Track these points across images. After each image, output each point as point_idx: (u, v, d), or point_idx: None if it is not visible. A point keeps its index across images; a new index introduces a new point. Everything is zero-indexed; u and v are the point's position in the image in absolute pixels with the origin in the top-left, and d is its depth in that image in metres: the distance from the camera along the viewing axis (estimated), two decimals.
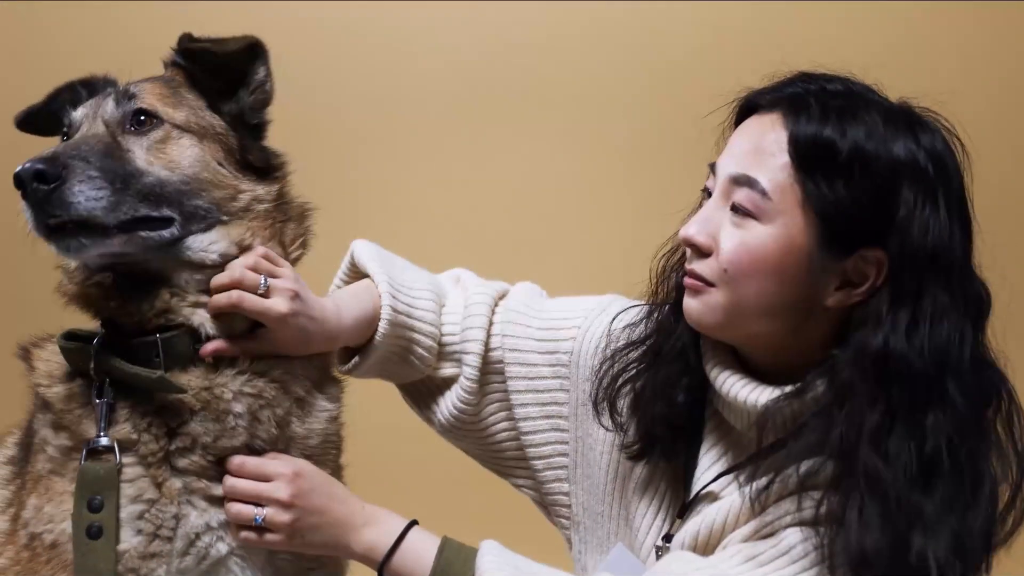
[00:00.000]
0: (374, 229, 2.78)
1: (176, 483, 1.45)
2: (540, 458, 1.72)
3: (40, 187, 1.36)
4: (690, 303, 1.45)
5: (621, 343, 1.61)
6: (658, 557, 1.53)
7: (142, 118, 1.48)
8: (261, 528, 1.47)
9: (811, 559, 1.35)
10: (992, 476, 1.36)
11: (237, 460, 1.47)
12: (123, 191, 1.41)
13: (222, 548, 1.48)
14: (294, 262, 1.57)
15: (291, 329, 1.50)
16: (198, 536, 1.46)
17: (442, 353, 1.73)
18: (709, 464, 1.52)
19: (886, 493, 1.29)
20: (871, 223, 1.36)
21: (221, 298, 1.47)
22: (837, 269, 1.38)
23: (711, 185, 1.46)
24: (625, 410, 1.57)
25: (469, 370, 1.71)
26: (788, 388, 1.40)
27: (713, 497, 1.49)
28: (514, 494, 1.81)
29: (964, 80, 2.82)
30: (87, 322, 1.52)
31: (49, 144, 1.48)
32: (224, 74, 1.55)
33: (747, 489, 1.40)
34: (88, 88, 1.60)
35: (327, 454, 1.58)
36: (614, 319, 1.65)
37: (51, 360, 1.53)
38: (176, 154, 1.48)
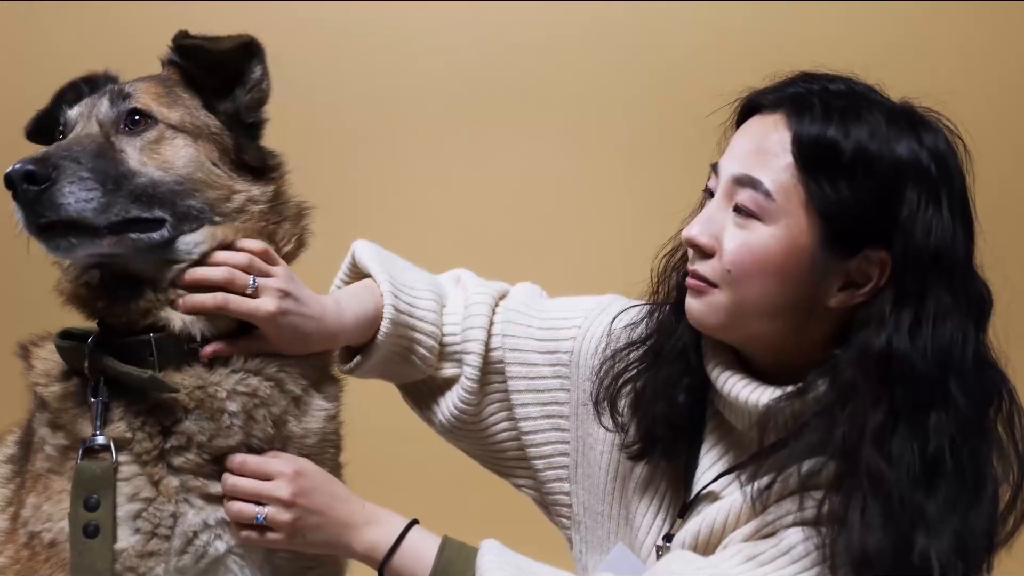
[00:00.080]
0: (374, 229, 2.78)
1: (173, 481, 1.45)
2: (541, 458, 1.72)
3: (30, 188, 1.36)
4: (692, 304, 1.45)
5: (622, 343, 1.60)
6: (659, 557, 1.53)
7: (136, 118, 1.48)
8: (262, 527, 1.47)
9: (812, 559, 1.34)
10: (994, 476, 1.36)
11: (238, 458, 1.47)
12: (115, 192, 1.41)
13: (220, 546, 1.48)
14: (288, 259, 1.57)
15: (283, 328, 1.50)
16: (196, 534, 1.46)
17: (443, 353, 1.73)
18: (710, 464, 1.52)
19: (889, 493, 1.29)
20: (874, 223, 1.36)
21: (207, 299, 1.46)
22: (840, 270, 1.38)
23: (713, 185, 1.46)
24: (626, 410, 1.56)
25: (470, 370, 1.70)
26: (789, 388, 1.40)
27: (714, 497, 1.49)
28: (514, 494, 1.81)
29: (964, 80, 2.82)
30: (86, 321, 1.52)
31: None
32: (220, 72, 1.54)
33: (748, 489, 1.39)
34: (90, 85, 1.59)
35: (325, 453, 1.58)
36: (614, 319, 1.65)
37: (49, 359, 1.53)
38: (170, 154, 1.48)
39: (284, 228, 1.57)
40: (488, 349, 1.71)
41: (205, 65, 1.54)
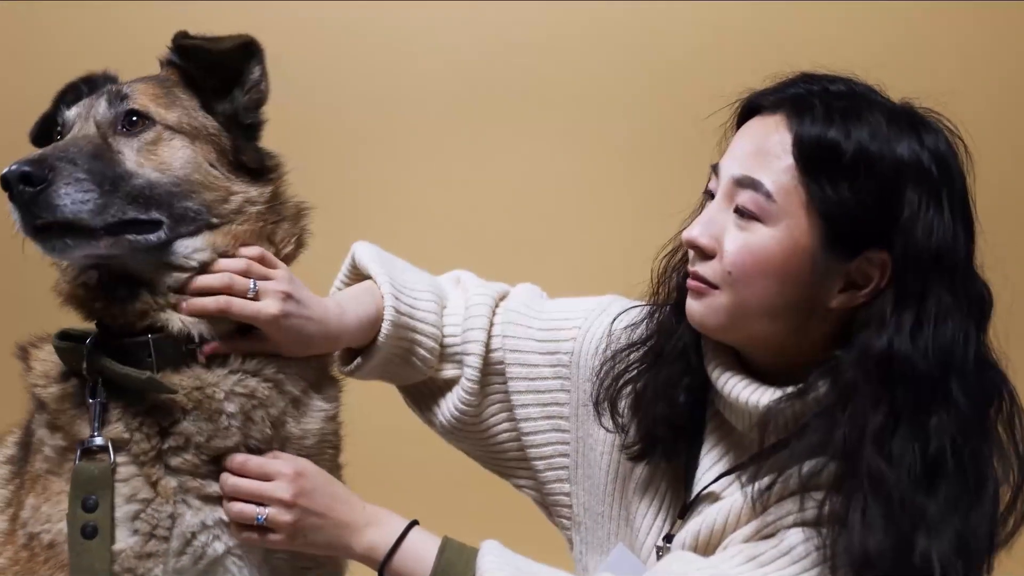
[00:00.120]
0: (374, 229, 2.78)
1: (171, 482, 1.45)
2: (541, 458, 1.72)
3: (26, 189, 1.36)
4: (693, 305, 1.45)
5: (622, 344, 1.60)
6: (659, 557, 1.53)
7: (134, 119, 1.48)
8: (262, 528, 1.47)
9: (812, 559, 1.34)
10: (994, 477, 1.36)
11: (239, 458, 1.47)
12: (111, 193, 1.41)
13: (218, 547, 1.48)
14: (287, 260, 1.57)
15: (285, 331, 1.50)
16: (194, 535, 1.46)
17: (443, 355, 1.73)
18: (710, 464, 1.52)
19: (889, 494, 1.29)
20: (875, 224, 1.36)
21: (208, 302, 1.46)
22: (841, 271, 1.38)
23: (713, 186, 1.46)
24: (626, 411, 1.56)
25: (470, 371, 1.70)
26: (790, 389, 1.40)
27: (714, 497, 1.49)
28: (515, 495, 1.81)
29: (964, 80, 2.82)
30: (84, 322, 1.52)
31: None
32: (219, 73, 1.54)
33: (749, 489, 1.39)
34: (89, 86, 1.59)
35: (324, 454, 1.57)
36: (615, 319, 1.65)
37: (47, 360, 1.53)
38: (167, 155, 1.48)
39: (283, 229, 1.56)
40: (488, 350, 1.71)
41: (204, 66, 1.54)
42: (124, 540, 1.43)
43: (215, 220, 1.49)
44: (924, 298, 1.34)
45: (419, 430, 1.83)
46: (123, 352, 1.45)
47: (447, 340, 1.72)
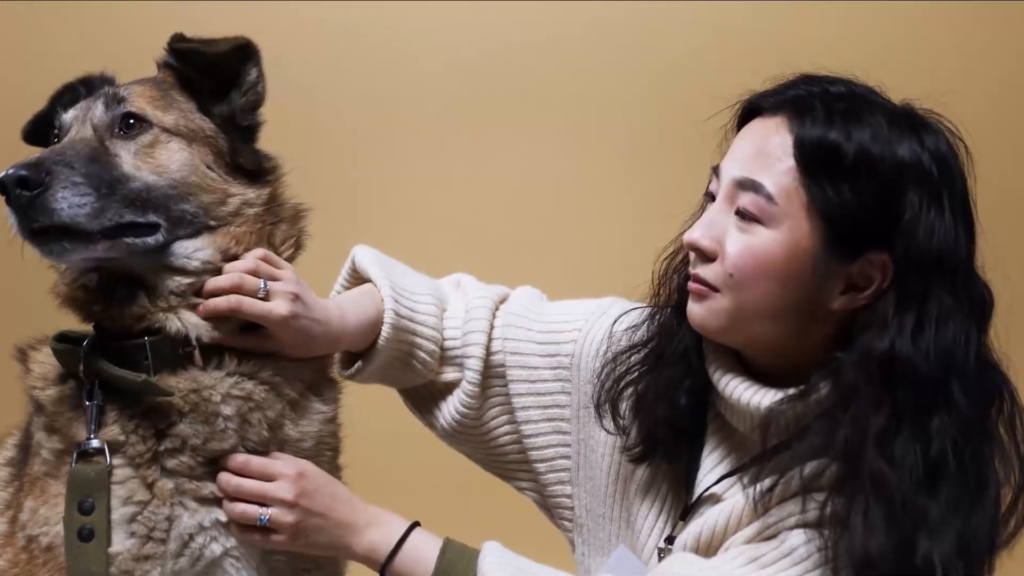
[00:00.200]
0: (374, 229, 2.79)
1: (168, 484, 1.45)
2: (542, 461, 1.72)
3: (23, 193, 1.36)
4: (694, 308, 1.45)
5: (623, 346, 1.60)
6: (660, 559, 1.53)
7: (131, 121, 1.48)
8: (264, 528, 1.47)
9: (814, 560, 1.34)
10: (996, 478, 1.35)
11: (240, 459, 1.47)
12: (108, 197, 1.41)
13: (216, 549, 1.47)
14: (286, 261, 1.56)
15: (293, 332, 1.50)
16: (192, 537, 1.46)
17: (444, 358, 1.73)
18: (712, 466, 1.52)
19: (891, 496, 1.29)
20: (876, 226, 1.35)
21: (220, 302, 1.46)
22: (842, 273, 1.38)
23: (714, 188, 1.46)
24: (627, 413, 1.56)
25: (471, 374, 1.70)
26: (791, 391, 1.40)
27: (716, 499, 1.49)
28: (515, 497, 1.81)
29: (964, 80, 2.82)
30: (83, 324, 1.52)
31: None
32: (215, 75, 1.54)
33: (750, 491, 1.39)
34: (87, 87, 1.59)
35: (322, 456, 1.57)
36: (615, 321, 1.65)
37: (46, 362, 1.53)
38: (164, 158, 1.48)
39: (281, 230, 1.56)
40: (489, 353, 1.71)
41: (200, 68, 1.53)
42: (121, 542, 1.43)
43: (213, 223, 1.49)
44: (925, 300, 1.34)
45: (420, 433, 1.83)
46: (120, 354, 1.45)
47: (447, 343, 1.72)
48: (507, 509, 1.94)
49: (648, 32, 2.98)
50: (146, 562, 1.43)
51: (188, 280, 1.47)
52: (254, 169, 1.55)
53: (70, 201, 1.38)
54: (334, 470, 1.60)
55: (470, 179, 3.00)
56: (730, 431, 1.51)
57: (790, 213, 1.37)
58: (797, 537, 1.36)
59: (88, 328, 1.51)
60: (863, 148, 1.35)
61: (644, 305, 1.62)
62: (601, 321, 1.68)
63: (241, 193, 1.52)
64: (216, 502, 1.47)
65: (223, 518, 1.47)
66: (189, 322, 1.46)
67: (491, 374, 1.72)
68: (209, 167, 1.51)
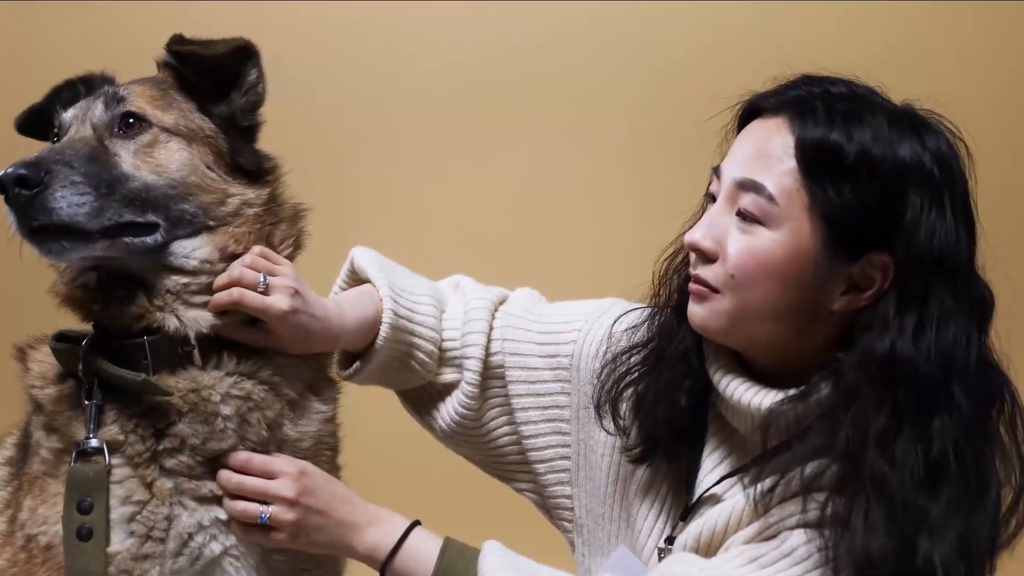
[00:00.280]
0: (374, 229, 2.79)
1: (167, 484, 1.45)
2: (542, 461, 1.72)
3: (22, 192, 1.36)
4: (695, 309, 1.45)
5: (623, 346, 1.60)
6: (660, 559, 1.53)
7: (131, 121, 1.48)
8: (265, 526, 1.47)
9: (814, 560, 1.34)
10: (996, 479, 1.35)
11: (242, 456, 1.47)
12: (107, 196, 1.41)
13: (216, 548, 1.47)
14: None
15: (292, 327, 1.50)
16: (191, 536, 1.46)
17: (443, 359, 1.73)
18: (712, 467, 1.52)
19: (892, 497, 1.29)
20: (878, 227, 1.35)
21: (222, 296, 1.46)
22: (843, 273, 1.38)
23: (715, 189, 1.46)
24: (627, 413, 1.56)
25: (470, 375, 1.70)
26: (792, 391, 1.39)
27: (716, 500, 1.49)
28: (515, 498, 1.81)
29: (964, 80, 2.82)
30: (82, 323, 1.52)
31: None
32: (215, 75, 1.54)
33: (751, 491, 1.39)
34: (87, 85, 1.59)
35: (321, 456, 1.57)
36: (615, 322, 1.65)
37: (45, 361, 1.53)
38: (164, 158, 1.48)
39: (280, 231, 1.56)
40: (488, 354, 1.71)
41: (200, 69, 1.53)
42: (120, 542, 1.43)
43: (212, 223, 1.49)
44: (926, 300, 1.34)
45: (419, 433, 1.82)
46: (120, 354, 1.45)
47: (446, 344, 1.72)
48: (507, 509, 1.94)
49: (648, 32, 2.98)
50: (145, 561, 1.43)
51: (185, 279, 1.47)
52: (254, 169, 1.55)
53: (69, 200, 1.38)
54: (333, 470, 1.60)
55: (470, 179, 2.99)
56: (730, 432, 1.51)
57: (791, 214, 1.37)
58: (797, 537, 1.36)
59: (87, 327, 1.51)
60: (864, 149, 1.35)
61: (644, 306, 1.62)
62: (601, 321, 1.68)
63: (240, 193, 1.52)
64: (215, 501, 1.47)
65: (223, 516, 1.47)
66: (186, 318, 1.46)
67: (490, 375, 1.72)
68: (209, 167, 1.51)
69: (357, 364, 1.66)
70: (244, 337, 1.49)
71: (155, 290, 1.46)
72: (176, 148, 1.49)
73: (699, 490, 1.52)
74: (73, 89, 1.59)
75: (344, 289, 1.72)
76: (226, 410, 1.46)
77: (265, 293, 1.48)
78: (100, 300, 1.48)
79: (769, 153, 1.39)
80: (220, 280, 1.47)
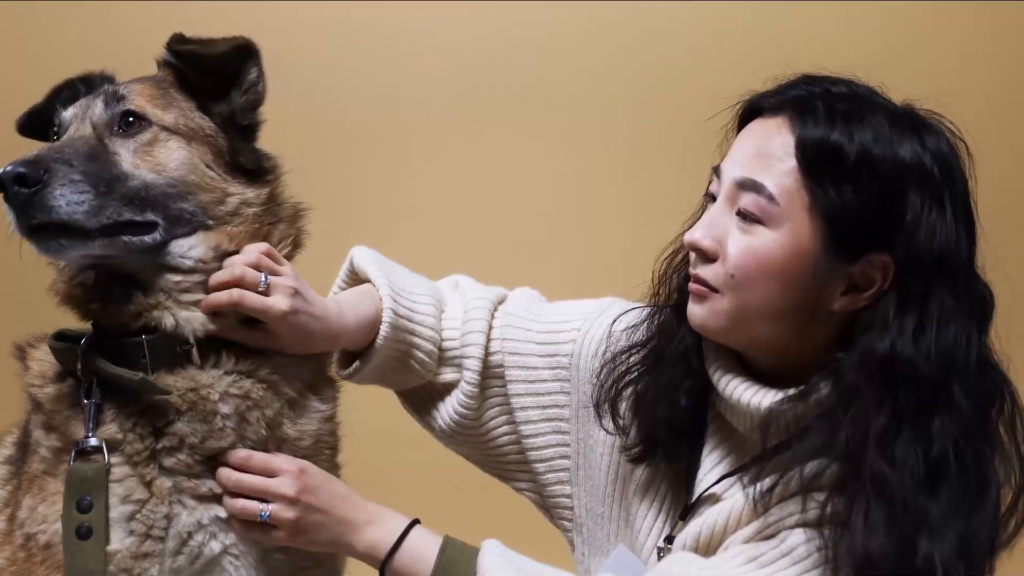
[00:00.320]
0: (373, 229, 2.79)
1: (166, 482, 1.45)
2: (542, 461, 1.72)
3: (21, 190, 1.36)
4: (694, 309, 1.45)
5: (622, 345, 1.60)
6: (659, 559, 1.53)
7: (130, 120, 1.48)
8: (264, 524, 1.47)
9: (814, 560, 1.34)
10: (996, 479, 1.35)
11: (242, 454, 1.47)
12: (107, 195, 1.41)
13: (215, 547, 1.47)
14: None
15: (292, 327, 1.50)
16: (190, 535, 1.46)
17: (442, 359, 1.73)
18: (711, 466, 1.52)
19: (892, 497, 1.29)
20: (878, 227, 1.35)
21: (221, 296, 1.46)
22: (843, 274, 1.38)
23: (715, 189, 1.46)
24: (627, 413, 1.56)
25: (470, 374, 1.70)
26: (792, 391, 1.39)
27: (715, 499, 1.48)
28: (514, 497, 1.81)
29: (964, 80, 2.82)
30: (81, 322, 1.52)
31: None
32: (215, 74, 1.54)
33: (750, 491, 1.39)
34: (87, 85, 1.59)
35: (320, 455, 1.57)
36: (614, 321, 1.65)
37: (44, 360, 1.53)
38: (163, 157, 1.47)
39: (279, 230, 1.56)
40: (488, 353, 1.71)
41: (200, 68, 1.53)
42: (120, 541, 1.43)
43: (211, 222, 1.49)
44: (926, 301, 1.34)
45: (418, 434, 1.82)
46: (119, 353, 1.45)
47: (445, 344, 1.72)
48: (506, 509, 1.94)
49: (648, 32, 2.98)
50: (145, 560, 1.43)
51: (178, 278, 1.47)
52: (253, 168, 1.55)
53: (68, 199, 1.38)
54: (332, 469, 1.60)
55: (470, 179, 2.99)
56: (730, 431, 1.51)
57: (791, 214, 1.37)
58: (797, 536, 1.36)
59: (87, 326, 1.51)
60: (865, 149, 1.35)
61: (643, 305, 1.62)
62: (600, 320, 1.68)
63: (240, 192, 1.52)
64: (215, 499, 1.47)
65: (222, 515, 1.47)
66: (181, 317, 1.46)
67: (490, 374, 1.72)
68: (208, 166, 1.50)
69: (357, 363, 1.66)
70: (243, 338, 1.49)
71: (152, 289, 1.46)
72: (176, 147, 1.49)
73: (699, 490, 1.51)
74: (73, 89, 1.60)
75: (343, 289, 1.72)
76: (225, 409, 1.46)
77: (266, 293, 1.48)
78: (98, 299, 1.48)
79: (769, 153, 1.39)
80: (219, 277, 1.47)
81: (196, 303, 1.47)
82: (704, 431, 1.54)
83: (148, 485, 1.44)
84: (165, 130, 1.49)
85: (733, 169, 1.42)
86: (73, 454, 1.43)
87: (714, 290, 1.42)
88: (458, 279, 1.82)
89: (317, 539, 1.49)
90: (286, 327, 1.50)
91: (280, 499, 1.46)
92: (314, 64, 2.93)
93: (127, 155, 1.46)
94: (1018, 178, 2.87)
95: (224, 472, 1.47)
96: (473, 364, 1.70)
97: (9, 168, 1.37)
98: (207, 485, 1.47)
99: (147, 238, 1.45)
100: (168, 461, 1.45)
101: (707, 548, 1.44)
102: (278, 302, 1.48)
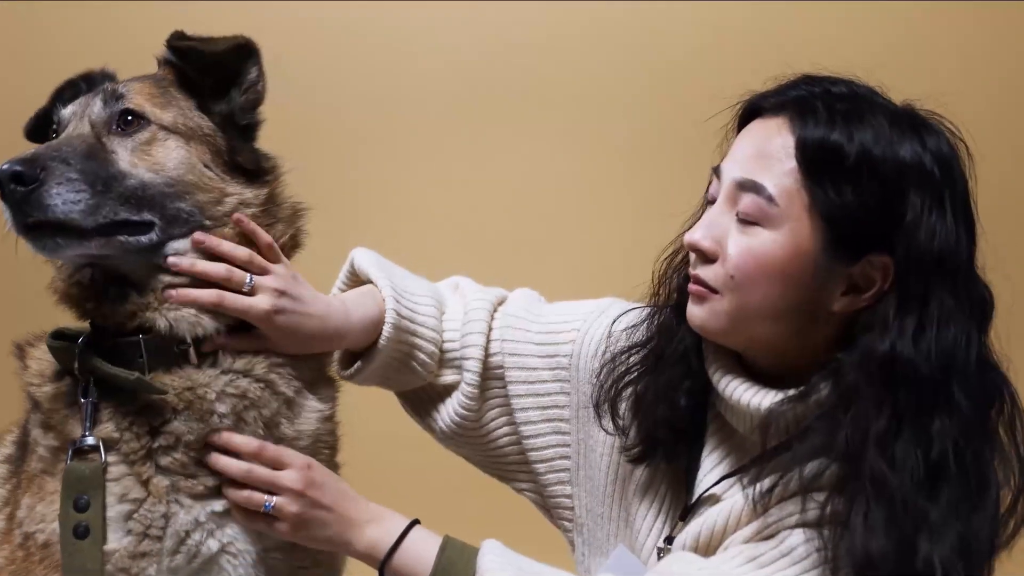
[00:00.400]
0: (374, 229, 2.79)
1: (163, 481, 1.45)
2: (542, 461, 1.72)
3: (17, 188, 1.36)
4: (694, 310, 1.45)
5: (622, 345, 1.60)
6: (659, 559, 1.53)
7: (129, 118, 1.48)
8: (267, 516, 1.46)
9: (813, 560, 1.34)
10: (996, 480, 1.35)
11: (255, 443, 1.46)
12: (104, 194, 1.40)
13: (213, 545, 1.47)
14: None
15: (279, 327, 1.50)
16: (188, 534, 1.46)
17: (442, 360, 1.73)
18: (711, 467, 1.52)
19: (892, 498, 1.29)
20: (878, 228, 1.35)
21: (202, 294, 1.46)
22: (843, 274, 1.38)
23: (714, 189, 1.46)
24: (626, 413, 1.56)
25: (470, 375, 1.70)
26: (792, 391, 1.39)
27: (715, 500, 1.48)
28: (514, 498, 1.81)
29: (964, 80, 2.82)
30: (79, 321, 1.52)
31: None
32: (215, 73, 1.54)
33: (750, 491, 1.39)
34: (88, 82, 1.59)
35: (319, 454, 1.57)
36: (614, 321, 1.65)
37: (43, 359, 1.53)
38: (161, 156, 1.47)
39: (277, 230, 1.56)
40: (487, 354, 1.71)
41: (200, 66, 1.53)
42: (118, 540, 1.43)
43: (208, 222, 1.49)
44: (926, 301, 1.34)
45: (418, 434, 1.82)
46: (116, 352, 1.45)
47: (446, 345, 1.72)
48: (506, 509, 1.94)
49: (648, 32, 2.98)
50: (142, 559, 1.43)
51: (169, 278, 1.47)
52: (252, 168, 1.55)
53: (65, 197, 1.38)
54: (332, 468, 1.59)
55: (470, 179, 2.99)
56: (730, 432, 1.51)
57: (791, 215, 1.37)
58: (796, 537, 1.36)
59: (85, 325, 1.51)
60: (865, 149, 1.35)
61: (642, 305, 1.62)
62: (600, 320, 1.67)
63: (238, 193, 1.52)
64: (212, 497, 1.47)
65: (219, 509, 1.47)
66: (171, 317, 1.45)
67: (490, 376, 1.72)
68: (206, 166, 1.50)
69: (359, 364, 1.66)
70: (242, 345, 1.49)
71: (146, 288, 1.46)
72: (174, 146, 1.49)
73: (699, 490, 1.51)
74: (75, 87, 1.59)
75: (344, 290, 1.72)
76: (222, 408, 1.46)
77: (251, 292, 1.48)
78: (93, 298, 1.47)
79: (769, 153, 1.39)
80: (205, 270, 1.46)
81: (188, 304, 1.46)
82: (704, 431, 1.54)
83: (145, 484, 1.44)
84: (164, 129, 1.49)
85: (733, 170, 1.42)
86: (70, 453, 1.43)
87: (714, 291, 1.42)
88: (458, 281, 1.82)
89: (318, 535, 1.49)
90: (271, 327, 1.50)
91: (286, 491, 1.46)
92: (314, 64, 2.93)
93: (125, 154, 1.46)
94: (1018, 178, 2.87)
95: (232, 461, 1.46)
96: (473, 365, 1.70)
97: (5, 166, 1.36)
98: (206, 482, 1.46)
99: (143, 238, 1.44)
100: (164, 460, 1.45)
101: (707, 548, 1.44)
102: (260, 301, 1.48)
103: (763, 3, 2.95)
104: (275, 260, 1.52)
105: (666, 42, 2.98)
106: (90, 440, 1.43)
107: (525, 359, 1.70)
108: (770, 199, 1.37)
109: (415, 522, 1.53)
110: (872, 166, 1.35)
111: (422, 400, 1.77)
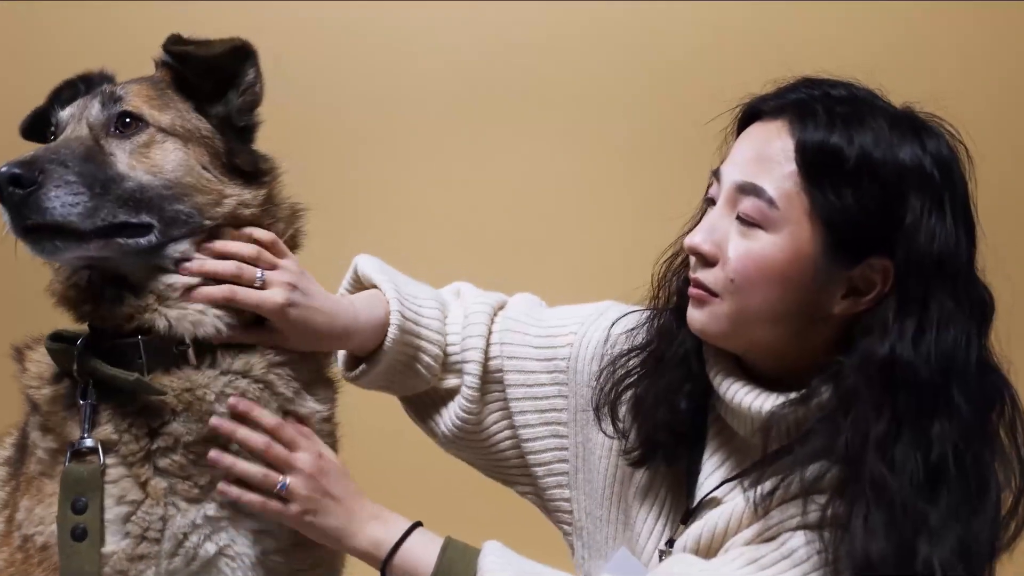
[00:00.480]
0: (374, 229, 2.79)
1: (161, 483, 1.45)
2: (540, 465, 1.72)
3: (16, 191, 1.36)
4: (694, 313, 1.45)
5: (622, 349, 1.60)
6: (660, 562, 1.53)
7: (127, 121, 1.48)
8: (278, 496, 1.46)
9: (814, 563, 1.34)
10: (996, 482, 1.35)
11: (275, 420, 1.47)
12: (102, 196, 1.40)
13: (211, 548, 1.47)
14: None
15: (291, 322, 1.50)
16: (186, 536, 1.45)
17: (445, 364, 1.73)
18: (712, 470, 1.52)
19: (892, 501, 1.29)
20: (878, 231, 1.35)
21: (215, 291, 1.46)
22: (844, 277, 1.38)
23: (714, 192, 1.46)
24: (626, 416, 1.56)
25: (470, 379, 1.70)
26: (792, 395, 1.39)
27: (716, 503, 1.48)
28: (515, 499, 1.81)
29: (964, 81, 2.82)
30: (77, 323, 1.52)
31: None
32: (213, 75, 1.54)
33: (751, 494, 1.39)
34: (86, 84, 1.59)
35: None
36: (613, 324, 1.64)
37: (42, 361, 1.54)
38: (159, 158, 1.47)
39: (278, 229, 1.56)
40: (487, 358, 1.71)
41: (197, 69, 1.53)
42: (116, 542, 1.42)
43: (207, 223, 1.49)
44: (926, 304, 1.34)
45: (419, 435, 1.82)
46: (115, 353, 1.45)
47: (448, 349, 1.72)
48: (507, 511, 1.94)
49: (648, 32, 2.98)
50: (140, 562, 1.43)
51: (169, 280, 1.47)
52: (250, 170, 1.55)
53: (63, 200, 1.38)
54: None
55: (470, 179, 2.99)
56: (730, 435, 1.51)
57: (791, 218, 1.37)
58: (797, 539, 1.36)
59: (83, 328, 1.51)
60: (865, 152, 1.35)
61: (641, 308, 1.62)
62: (598, 323, 1.67)
63: (237, 194, 1.52)
64: (209, 497, 1.46)
65: (212, 513, 1.46)
66: (171, 316, 1.45)
67: (490, 379, 1.72)
68: (205, 167, 1.50)
69: (363, 366, 1.66)
70: (254, 339, 1.49)
71: (143, 291, 1.46)
72: (172, 148, 1.49)
73: (700, 494, 1.51)
74: (73, 89, 1.59)
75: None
76: (221, 409, 1.46)
77: (262, 287, 1.48)
78: (90, 300, 1.47)
79: (769, 156, 1.39)
80: (215, 269, 1.47)
81: (186, 303, 1.46)
82: (704, 435, 1.54)
83: (143, 486, 1.44)
84: (162, 131, 1.49)
85: (733, 173, 1.42)
86: (68, 455, 1.43)
87: (714, 294, 1.41)
88: (459, 286, 1.82)
89: (324, 523, 1.48)
90: (284, 321, 1.50)
91: (299, 472, 1.46)
92: (314, 64, 2.93)
93: (123, 156, 1.46)
94: (1018, 179, 2.86)
95: (253, 432, 1.46)
96: (473, 369, 1.70)
97: (4, 169, 1.36)
98: (201, 485, 1.46)
99: (142, 240, 1.44)
100: (163, 462, 1.45)
101: (708, 550, 1.44)
102: (273, 295, 1.48)
103: (763, 3, 2.95)
104: (282, 255, 1.52)
105: (666, 42, 2.97)
106: (88, 442, 1.43)
107: (524, 362, 1.70)
108: (770, 202, 1.37)
109: (417, 524, 1.53)
110: (872, 169, 1.35)
111: (425, 405, 1.77)
